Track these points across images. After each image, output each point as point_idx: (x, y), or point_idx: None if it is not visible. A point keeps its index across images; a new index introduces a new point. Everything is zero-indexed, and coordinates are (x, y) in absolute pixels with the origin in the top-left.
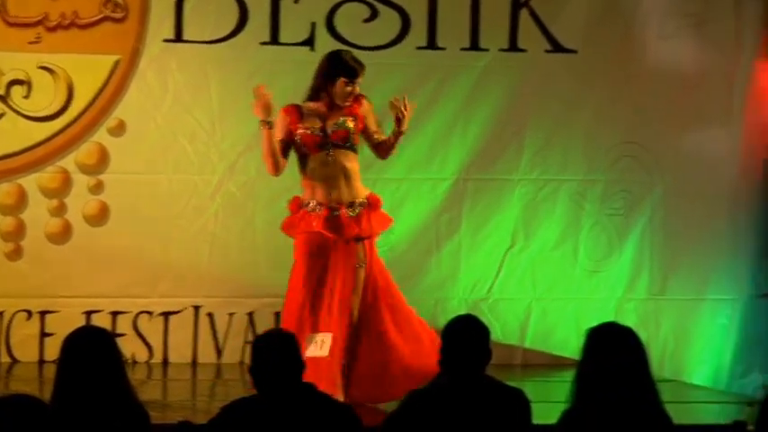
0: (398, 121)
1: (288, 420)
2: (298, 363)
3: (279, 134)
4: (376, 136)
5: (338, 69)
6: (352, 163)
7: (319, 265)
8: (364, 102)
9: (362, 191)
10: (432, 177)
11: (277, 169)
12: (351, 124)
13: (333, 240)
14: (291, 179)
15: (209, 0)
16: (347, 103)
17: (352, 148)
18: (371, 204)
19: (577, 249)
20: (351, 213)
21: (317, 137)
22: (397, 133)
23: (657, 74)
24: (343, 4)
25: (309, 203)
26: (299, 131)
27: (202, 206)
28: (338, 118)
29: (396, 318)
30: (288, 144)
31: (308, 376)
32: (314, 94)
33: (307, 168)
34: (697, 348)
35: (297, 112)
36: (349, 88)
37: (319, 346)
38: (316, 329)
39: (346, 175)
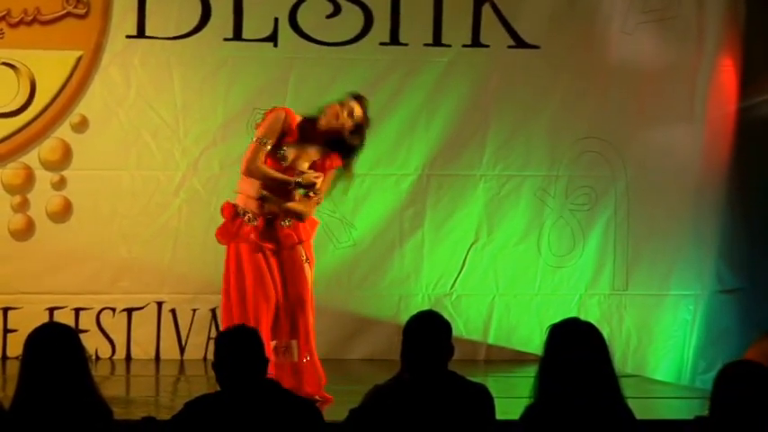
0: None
1: (251, 416)
2: (261, 359)
3: (273, 138)
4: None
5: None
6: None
7: (264, 271)
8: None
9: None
10: (395, 173)
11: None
12: (319, 182)
13: (273, 250)
14: None
15: None
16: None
17: (307, 196)
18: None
19: (540, 245)
20: (284, 224)
21: (282, 168)
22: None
23: (620, 69)
24: (305, 0)
25: (246, 214)
26: (285, 146)
27: (166, 202)
28: (312, 171)
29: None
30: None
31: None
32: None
33: (260, 175)
34: (660, 344)
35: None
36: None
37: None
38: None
39: (293, 198)
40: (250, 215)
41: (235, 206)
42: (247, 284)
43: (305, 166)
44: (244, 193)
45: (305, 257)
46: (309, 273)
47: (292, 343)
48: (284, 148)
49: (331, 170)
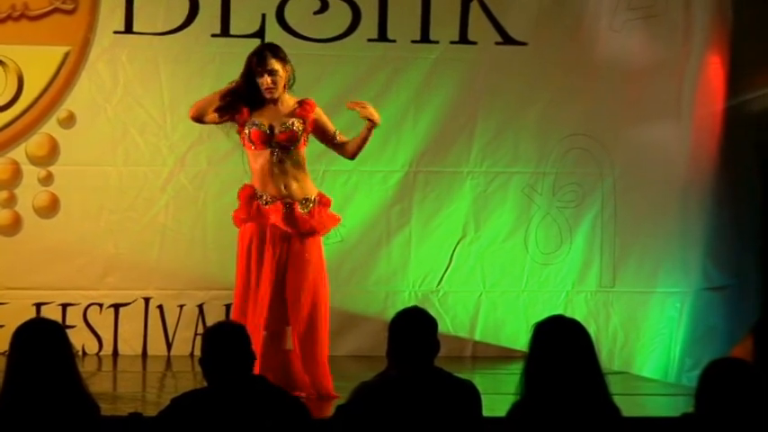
0: (369, 119)
1: (238, 412)
2: (248, 354)
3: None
4: (338, 137)
5: (250, 58)
6: (299, 164)
7: (270, 257)
8: (316, 107)
9: (313, 188)
10: (382, 169)
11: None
12: (299, 126)
13: (288, 234)
14: (242, 170)
15: None
16: (273, 95)
17: (297, 151)
18: (322, 203)
19: (528, 241)
20: (303, 210)
21: (264, 134)
22: (371, 126)
23: (608, 66)
24: None
25: (263, 196)
26: (249, 125)
27: (153, 198)
28: (287, 119)
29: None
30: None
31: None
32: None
33: (256, 165)
34: (647, 341)
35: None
36: (263, 78)
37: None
38: (272, 323)
39: (296, 174)
40: (267, 197)
41: (253, 188)
42: (251, 269)
43: (288, 121)
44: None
45: (307, 257)
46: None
47: (286, 330)
48: (253, 119)
49: (318, 110)
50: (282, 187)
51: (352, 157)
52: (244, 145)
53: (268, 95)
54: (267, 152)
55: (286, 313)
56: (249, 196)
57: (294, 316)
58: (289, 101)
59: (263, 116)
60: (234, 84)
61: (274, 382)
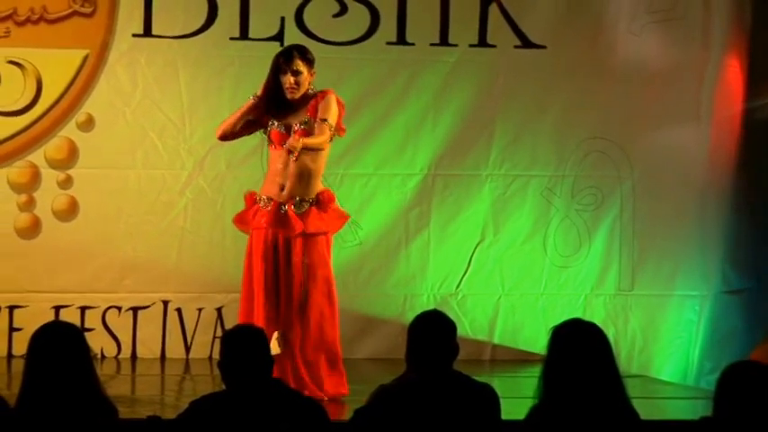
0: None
1: (256, 415)
2: (267, 358)
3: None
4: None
5: (276, 58)
6: (315, 163)
7: (268, 262)
8: (328, 95)
9: (316, 189)
10: (401, 172)
11: (228, 132)
12: (312, 126)
13: (281, 236)
14: (261, 173)
15: None
16: (293, 96)
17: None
18: (321, 202)
19: (546, 245)
20: (297, 210)
21: (282, 134)
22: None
23: (627, 70)
24: (312, 0)
25: (262, 199)
26: (270, 125)
27: (172, 201)
28: (303, 116)
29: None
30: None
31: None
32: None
33: (271, 161)
34: (665, 344)
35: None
36: (286, 77)
37: (277, 344)
38: (269, 325)
39: (304, 174)
40: (265, 199)
41: (255, 194)
42: (254, 274)
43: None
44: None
45: (305, 260)
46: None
47: (287, 333)
48: (274, 119)
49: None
50: (280, 189)
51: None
52: (268, 146)
53: (289, 95)
54: (283, 151)
55: (289, 316)
56: (252, 200)
57: (301, 319)
58: (310, 100)
59: (284, 116)
60: (255, 98)
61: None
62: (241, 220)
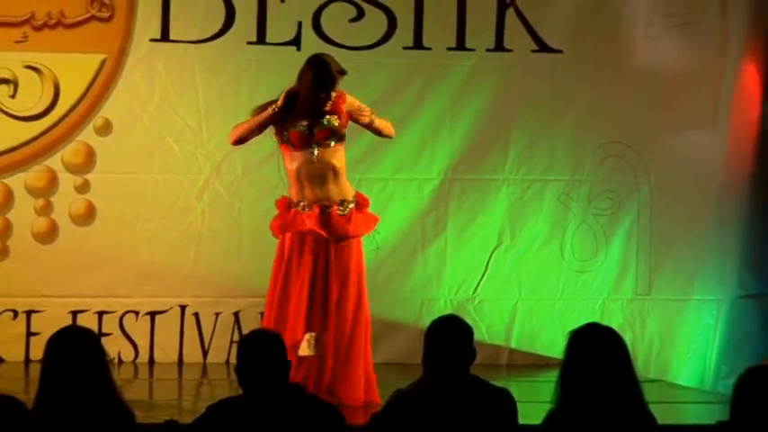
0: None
1: (274, 420)
2: (284, 362)
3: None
4: (375, 123)
5: (322, 83)
6: (340, 160)
7: (311, 264)
8: (347, 98)
9: (350, 189)
10: (418, 177)
11: (242, 139)
12: (336, 122)
13: (325, 239)
14: (277, 177)
15: None
16: (321, 108)
17: (337, 149)
18: (359, 204)
19: (563, 249)
20: (341, 212)
21: (304, 134)
22: (366, 126)
23: (644, 74)
24: (329, 4)
25: (300, 203)
26: (289, 128)
27: (189, 206)
28: (324, 116)
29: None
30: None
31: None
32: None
33: (293, 167)
34: (682, 348)
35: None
36: (325, 96)
37: (308, 346)
38: (310, 327)
39: (334, 173)
40: (304, 203)
41: (288, 198)
42: (292, 276)
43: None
44: (290, 183)
45: (345, 256)
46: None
47: (321, 335)
48: (292, 121)
49: (348, 100)
50: (319, 189)
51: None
52: (282, 148)
53: (320, 107)
54: (306, 153)
55: (325, 319)
56: (286, 205)
57: (337, 322)
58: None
59: (301, 117)
60: (276, 108)
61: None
62: (281, 225)
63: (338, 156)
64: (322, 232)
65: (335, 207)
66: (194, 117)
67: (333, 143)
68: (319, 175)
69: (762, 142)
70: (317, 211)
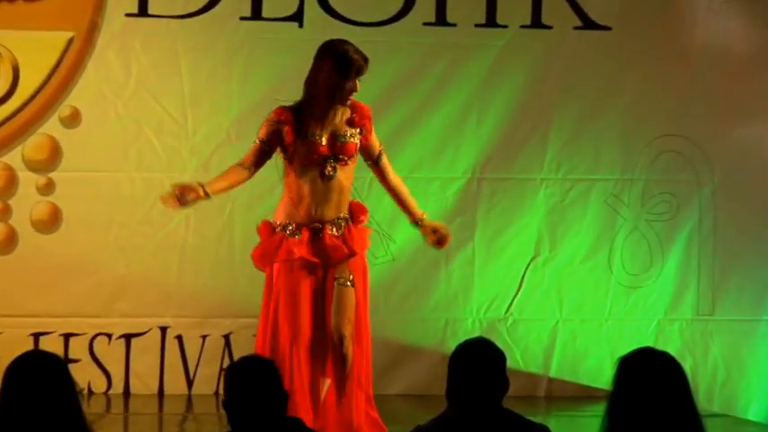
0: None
1: None
2: (278, 393)
3: (263, 134)
4: (383, 161)
5: (349, 69)
6: (349, 179)
7: (301, 295)
8: (369, 112)
9: (347, 205)
10: (440, 176)
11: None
12: (358, 140)
13: (319, 265)
14: (276, 176)
15: None
16: (342, 104)
17: (350, 167)
18: (353, 214)
19: (612, 261)
20: (334, 233)
21: (320, 146)
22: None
23: (705, 55)
24: None
25: (288, 227)
26: (298, 141)
27: (171, 210)
28: (344, 129)
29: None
30: (269, 152)
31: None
32: (313, 97)
33: (296, 182)
34: (752, 378)
35: (292, 117)
36: (353, 83)
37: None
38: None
39: (340, 193)
40: (292, 227)
41: (271, 223)
42: (279, 312)
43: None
44: (284, 200)
45: (350, 278)
46: (357, 296)
47: (325, 381)
48: (305, 131)
49: (368, 120)
50: (314, 210)
51: (389, 189)
52: (289, 163)
53: (343, 103)
54: (317, 168)
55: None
56: (269, 231)
57: (338, 353)
58: (340, 107)
59: (317, 126)
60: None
61: None
62: (262, 256)
63: (349, 173)
64: (314, 259)
65: (327, 228)
66: (177, 106)
67: (350, 162)
68: (325, 192)
69: None
70: (306, 235)
